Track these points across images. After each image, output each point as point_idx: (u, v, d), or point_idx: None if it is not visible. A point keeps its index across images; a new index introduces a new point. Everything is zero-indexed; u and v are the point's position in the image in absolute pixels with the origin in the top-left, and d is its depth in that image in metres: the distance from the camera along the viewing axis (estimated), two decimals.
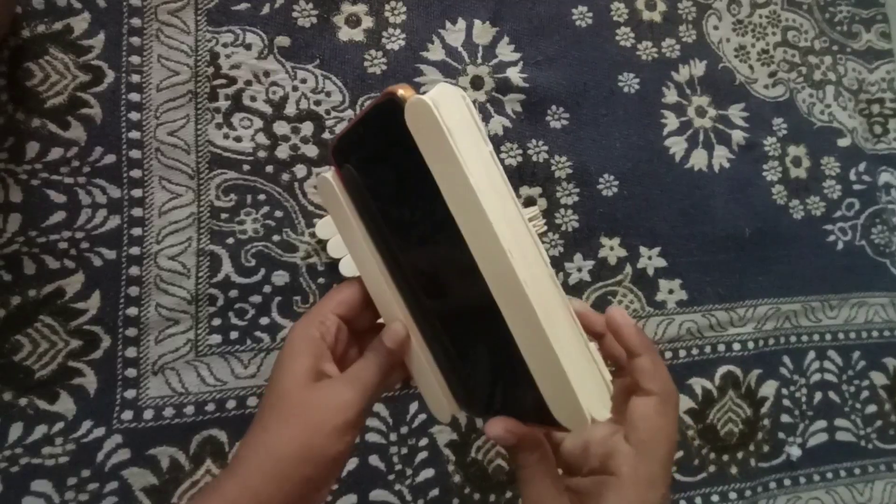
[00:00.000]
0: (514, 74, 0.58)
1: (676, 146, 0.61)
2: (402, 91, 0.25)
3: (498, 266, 0.24)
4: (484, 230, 0.24)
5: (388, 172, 0.28)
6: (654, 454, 0.29)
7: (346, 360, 0.32)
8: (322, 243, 0.51)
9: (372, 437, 0.50)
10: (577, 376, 0.24)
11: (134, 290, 0.48)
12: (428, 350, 0.31)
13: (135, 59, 0.50)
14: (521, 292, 0.24)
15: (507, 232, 0.24)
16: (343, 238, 0.32)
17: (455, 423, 0.52)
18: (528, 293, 0.23)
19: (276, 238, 0.51)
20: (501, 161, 0.56)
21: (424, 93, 0.25)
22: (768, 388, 0.60)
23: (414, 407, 0.52)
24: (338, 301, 0.31)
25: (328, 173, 0.31)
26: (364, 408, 0.29)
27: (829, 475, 0.60)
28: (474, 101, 0.56)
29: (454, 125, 0.24)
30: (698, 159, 0.62)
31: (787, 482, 0.59)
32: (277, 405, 0.28)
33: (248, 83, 0.52)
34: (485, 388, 0.29)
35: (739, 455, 0.58)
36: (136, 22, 0.50)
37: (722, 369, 0.59)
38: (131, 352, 0.47)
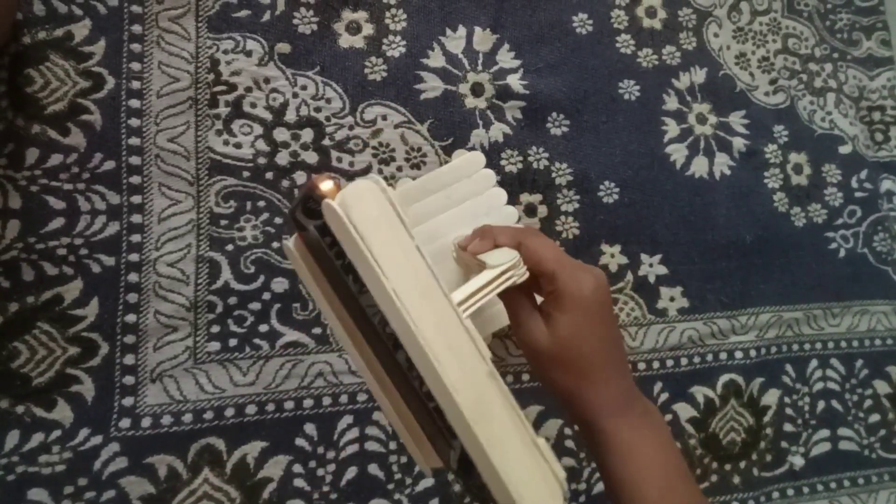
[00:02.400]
0: (515, 81, 0.58)
1: (677, 153, 0.61)
2: (323, 187, 0.25)
3: (428, 371, 0.24)
4: (408, 336, 0.24)
5: (327, 254, 0.28)
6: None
7: None
8: None
9: (371, 446, 0.50)
10: (517, 479, 0.24)
11: (133, 297, 0.47)
12: (403, 404, 0.31)
13: (135, 66, 0.50)
14: (451, 399, 0.24)
15: (432, 335, 0.24)
16: (314, 298, 0.33)
17: None
18: (458, 400, 0.24)
19: (275, 245, 0.51)
20: (501, 168, 0.56)
21: (347, 183, 0.25)
22: (771, 397, 0.60)
23: None
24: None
25: (290, 240, 0.31)
26: None
27: (833, 485, 0.60)
28: (474, 108, 0.56)
29: (367, 227, 0.24)
30: (699, 166, 0.62)
31: (790, 492, 0.59)
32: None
33: (249, 90, 0.52)
34: (452, 457, 0.29)
35: (742, 464, 0.58)
36: (136, 28, 0.50)
37: (724, 378, 0.59)
38: (129, 359, 0.47)
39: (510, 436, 0.25)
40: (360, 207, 0.24)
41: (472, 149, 0.56)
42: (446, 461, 0.30)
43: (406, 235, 0.25)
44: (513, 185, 0.56)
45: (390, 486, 0.50)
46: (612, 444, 0.33)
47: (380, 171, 0.54)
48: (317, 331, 0.50)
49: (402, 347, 0.26)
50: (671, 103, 0.62)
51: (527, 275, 0.33)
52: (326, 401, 0.50)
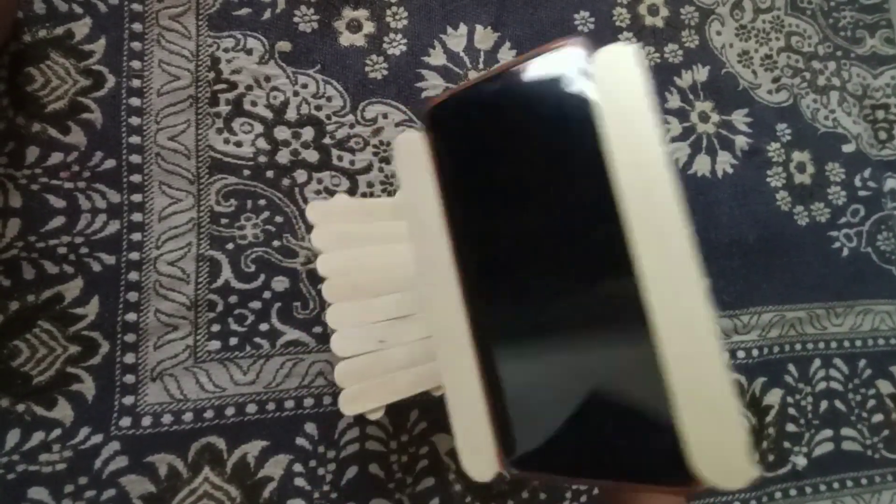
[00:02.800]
0: None
1: (679, 152, 0.61)
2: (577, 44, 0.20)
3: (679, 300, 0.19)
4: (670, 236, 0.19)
5: (517, 145, 0.23)
6: None
7: None
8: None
9: (372, 445, 0.50)
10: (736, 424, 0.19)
11: (133, 296, 0.47)
12: (480, 377, 0.25)
13: (136, 64, 0.50)
14: (711, 343, 0.19)
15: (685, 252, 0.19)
16: (406, 212, 0.27)
17: None
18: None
19: (276, 243, 0.50)
20: None
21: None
22: (773, 397, 0.59)
23: (414, 415, 0.51)
24: None
25: (412, 133, 0.27)
26: None
27: (836, 485, 0.60)
28: None
29: (643, 103, 0.19)
30: (701, 165, 0.61)
31: (792, 492, 0.58)
32: None
33: (249, 88, 0.52)
34: (563, 436, 0.23)
35: None
36: (137, 27, 0.50)
37: None
38: (130, 358, 0.47)
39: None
40: (634, 76, 0.19)
41: None
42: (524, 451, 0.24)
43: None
44: None
45: (391, 486, 0.50)
46: None
47: (381, 170, 0.54)
48: (317, 330, 0.50)
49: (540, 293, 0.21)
50: (673, 101, 0.62)
51: None
52: (327, 400, 0.50)
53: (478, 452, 0.26)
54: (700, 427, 0.19)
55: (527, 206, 0.23)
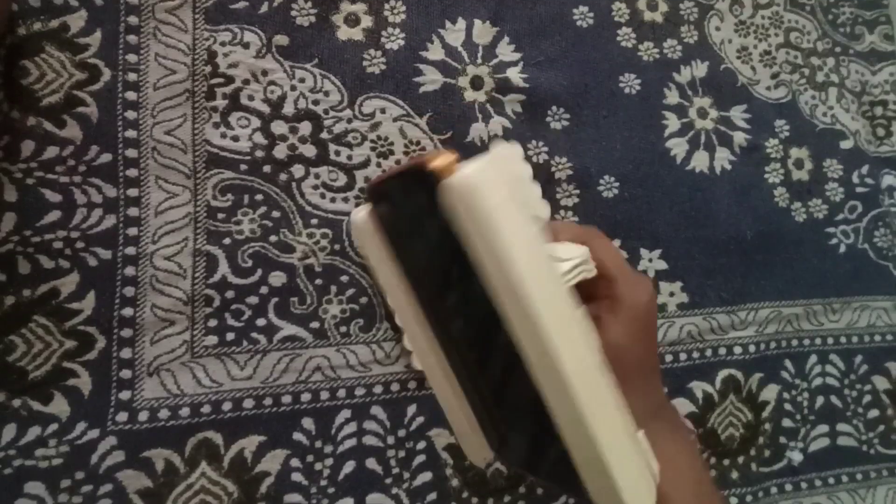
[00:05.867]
0: (515, 75, 0.57)
1: (678, 148, 0.61)
2: (439, 163, 0.22)
3: (544, 360, 0.22)
4: (531, 327, 0.22)
5: (422, 234, 0.26)
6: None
7: None
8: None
9: (369, 440, 0.50)
10: (622, 472, 0.23)
11: (129, 291, 0.47)
12: (461, 392, 0.30)
13: (131, 58, 0.49)
14: (567, 390, 0.22)
15: (555, 325, 0.22)
16: (378, 277, 0.31)
17: None
18: (577, 392, 0.22)
19: (273, 238, 0.50)
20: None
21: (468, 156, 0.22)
22: (770, 393, 0.60)
23: (412, 409, 0.51)
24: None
25: (361, 213, 0.29)
26: None
27: (831, 480, 0.60)
28: (474, 102, 0.56)
29: (495, 212, 0.21)
30: (700, 161, 0.61)
31: (788, 487, 0.59)
32: None
33: (246, 82, 0.52)
34: (522, 444, 0.28)
35: (740, 460, 0.58)
36: (133, 20, 0.50)
37: (723, 373, 0.59)
38: (126, 353, 0.47)
39: (615, 431, 0.24)
40: (486, 189, 0.21)
41: (471, 143, 0.55)
42: (503, 450, 0.30)
43: (528, 218, 0.22)
44: None
45: (388, 481, 0.50)
46: None
47: (378, 165, 0.54)
48: (314, 325, 0.50)
49: (495, 333, 0.23)
50: (672, 97, 0.62)
51: (595, 272, 0.33)
52: (324, 395, 0.50)
53: (470, 439, 0.30)
54: (591, 477, 0.23)
55: (435, 291, 0.28)
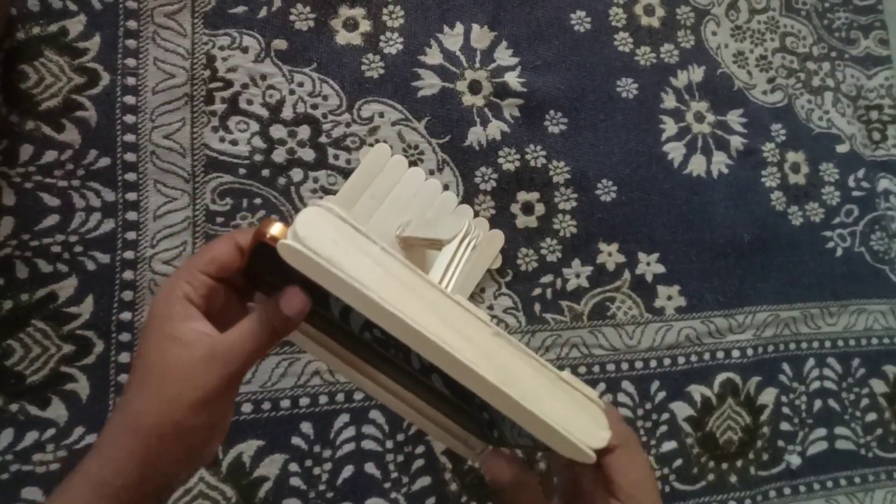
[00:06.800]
0: (513, 79, 0.57)
1: (675, 152, 0.61)
2: (272, 231, 0.24)
3: (443, 358, 0.24)
4: (411, 334, 0.24)
5: (303, 285, 0.27)
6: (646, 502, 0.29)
7: (228, 319, 0.28)
8: None
9: (368, 445, 0.50)
10: (562, 420, 0.25)
11: (128, 295, 0.47)
12: (427, 405, 0.32)
13: (130, 62, 0.49)
14: (474, 374, 0.24)
15: (432, 324, 0.24)
16: (308, 350, 0.33)
17: None
18: (481, 373, 0.24)
19: None
20: (499, 166, 0.56)
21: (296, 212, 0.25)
22: (767, 396, 0.60)
23: None
24: (208, 259, 0.27)
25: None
26: (232, 374, 0.26)
27: (829, 484, 0.60)
28: (472, 106, 0.56)
29: (330, 250, 0.24)
30: (697, 165, 0.62)
31: (786, 491, 0.59)
32: (138, 375, 0.26)
33: (245, 86, 0.52)
34: (491, 428, 0.30)
35: (739, 463, 0.58)
36: (132, 24, 0.50)
37: (721, 377, 0.59)
38: (124, 357, 0.46)
39: (539, 382, 0.26)
40: (316, 235, 0.24)
41: (469, 146, 0.55)
42: (488, 437, 0.31)
43: (369, 243, 0.25)
44: (510, 183, 0.56)
45: (387, 485, 0.50)
46: None
47: None
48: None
49: (409, 352, 0.26)
50: (669, 102, 0.62)
51: (482, 235, 0.33)
52: (323, 399, 0.50)
53: (458, 444, 0.33)
54: (542, 435, 0.25)
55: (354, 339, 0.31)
